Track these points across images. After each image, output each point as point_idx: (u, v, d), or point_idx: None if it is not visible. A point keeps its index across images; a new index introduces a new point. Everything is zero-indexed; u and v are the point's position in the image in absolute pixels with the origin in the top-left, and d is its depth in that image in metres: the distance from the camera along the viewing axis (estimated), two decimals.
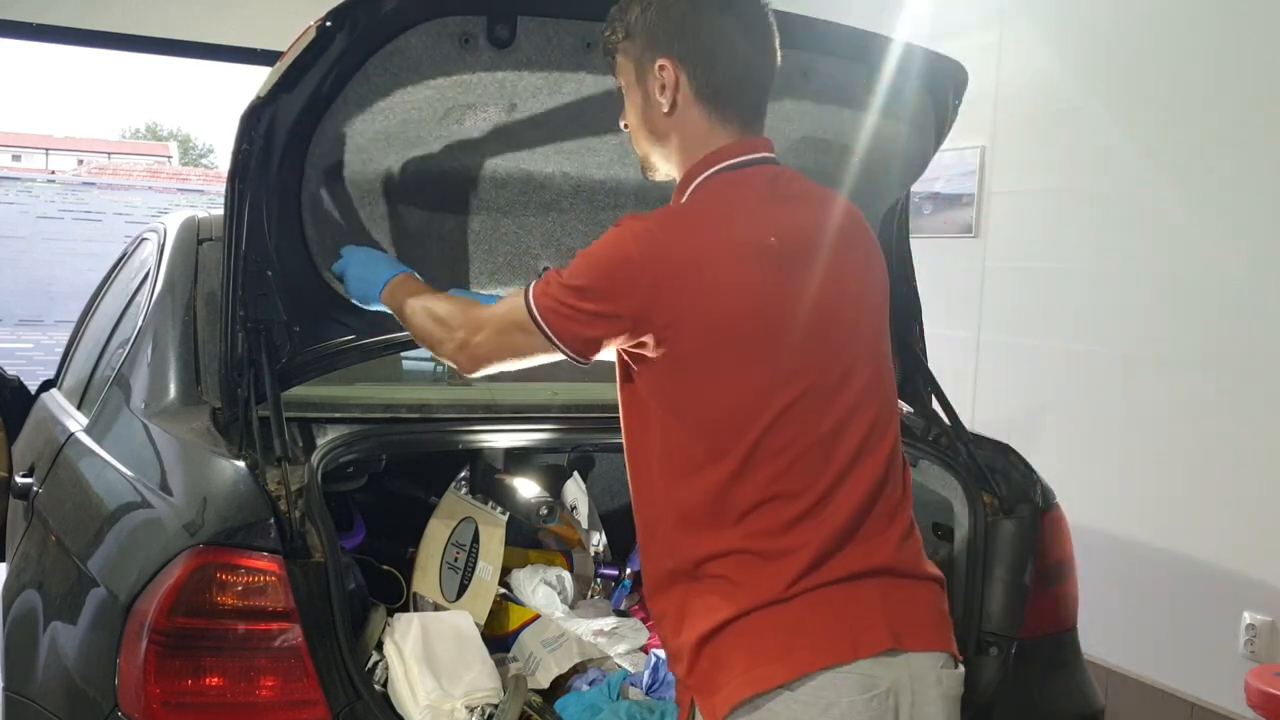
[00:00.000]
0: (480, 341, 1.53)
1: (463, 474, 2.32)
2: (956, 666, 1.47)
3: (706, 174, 1.49)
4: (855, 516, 1.42)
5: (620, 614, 2.42)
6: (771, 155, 1.53)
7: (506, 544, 2.24)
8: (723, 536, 1.41)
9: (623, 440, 1.54)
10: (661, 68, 1.48)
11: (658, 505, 1.49)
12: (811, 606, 1.37)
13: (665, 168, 1.57)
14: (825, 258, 1.47)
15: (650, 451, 1.48)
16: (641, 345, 1.42)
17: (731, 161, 1.49)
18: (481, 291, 2.01)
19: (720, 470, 1.40)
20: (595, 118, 1.89)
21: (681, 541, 1.45)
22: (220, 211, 1.84)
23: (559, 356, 1.47)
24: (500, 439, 2.17)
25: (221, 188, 1.79)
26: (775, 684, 1.34)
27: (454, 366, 1.58)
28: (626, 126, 1.59)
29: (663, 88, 1.48)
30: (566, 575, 2.39)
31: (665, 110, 1.49)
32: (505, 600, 2.30)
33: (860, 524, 1.42)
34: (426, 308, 1.63)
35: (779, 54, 1.53)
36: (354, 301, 1.81)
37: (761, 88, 1.52)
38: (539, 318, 1.44)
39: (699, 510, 1.43)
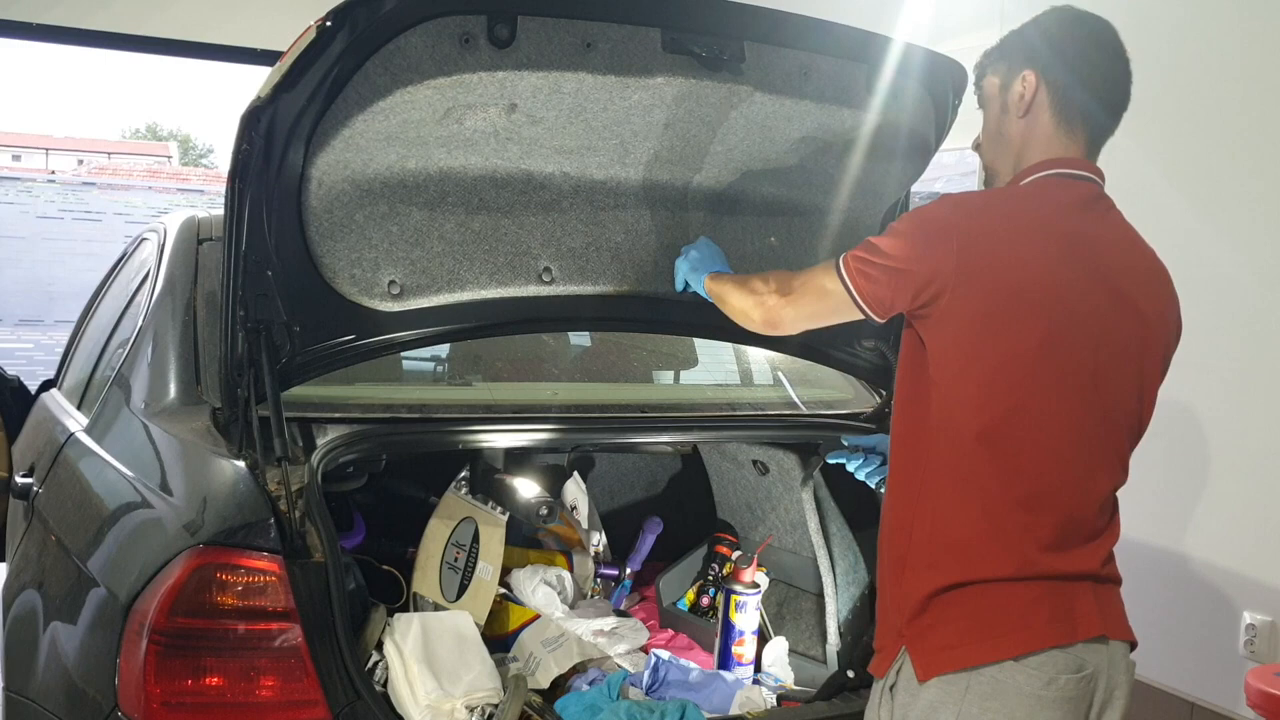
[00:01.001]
0: (788, 300, 1.70)
1: (463, 474, 2.32)
2: (1131, 655, 1.63)
3: (1039, 174, 1.62)
4: (1090, 520, 1.60)
5: (620, 614, 2.42)
6: (1100, 180, 1.66)
7: (506, 544, 2.24)
8: (972, 503, 1.53)
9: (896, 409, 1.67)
10: (1024, 78, 1.64)
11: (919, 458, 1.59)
12: (1040, 591, 1.52)
13: (1007, 172, 1.69)
14: (1118, 285, 1.59)
15: (923, 414, 1.58)
16: (930, 304, 1.52)
17: (1065, 171, 1.62)
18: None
19: (979, 442, 1.52)
20: (596, 117, 1.89)
21: (927, 499, 1.57)
22: (220, 211, 1.84)
23: (857, 314, 1.61)
24: (500, 439, 2.17)
25: (221, 188, 1.79)
26: (1010, 655, 1.47)
27: (767, 331, 1.75)
28: (978, 146, 1.75)
29: (1021, 96, 1.64)
30: (566, 575, 2.39)
31: (1020, 114, 1.65)
32: (505, 600, 2.30)
33: (1089, 527, 1.60)
34: (741, 282, 1.83)
35: (1129, 98, 1.68)
36: (681, 278, 2.05)
37: (1107, 119, 1.67)
38: (844, 274, 1.59)
39: (958, 473, 1.54)
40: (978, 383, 1.51)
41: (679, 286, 2.07)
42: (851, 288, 1.59)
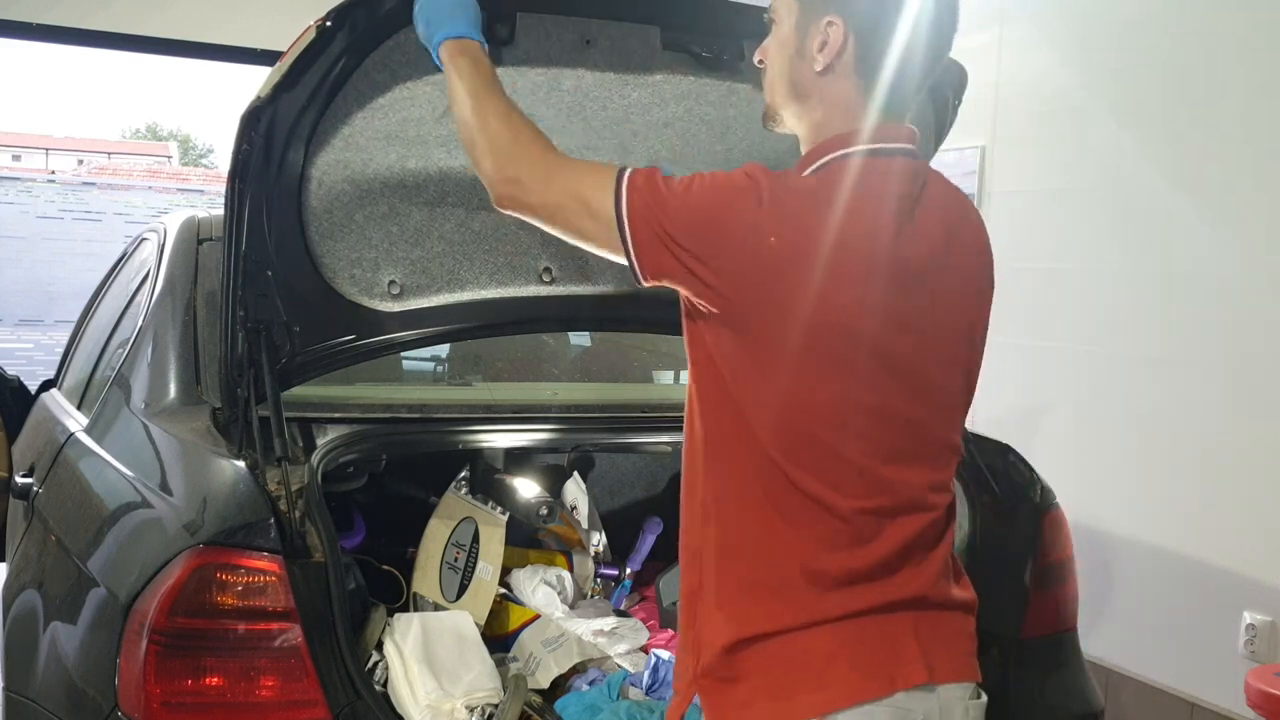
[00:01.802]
0: (539, 190, 1.37)
1: (463, 474, 2.32)
2: (979, 696, 1.41)
3: (842, 152, 1.35)
4: (903, 546, 1.34)
5: (620, 614, 2.42)
6: (913, 147, 1.39)
7: (506, 544, 2.24)
8: (766, 533, 1.34)
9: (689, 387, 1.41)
10: (830, 24, 1.35)
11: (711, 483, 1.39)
12: (849, 634, 1.31)
13: (793, 125, 1.44)
14: (942, 283, 1.37)
15: (716, 414, 1.37)
16: (711, 302, 1.30)
17: (874, 146, 1.35)
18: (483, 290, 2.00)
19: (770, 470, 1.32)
20: (595, 115, 1.89)
21: (714, 523, 1.37)
22: (220, 211, 1.84)
23: (615, 257, 1.34)
24: (500, 439, 2.17)
25: (221, 188, 1.79)
26: (812, 715, 1.28)
27: (491, 192, 1.41)
28: (762, 63, 1.46)
29: (823, 45, 1.35)
30: (566, 575, 2.39)
31: (818, 70, 1.37)
32: (505, 600, 2.30)
33: (906, 554, 1.35)
34: (498, 108, 1.42)
35: (947, 49, 1.40)
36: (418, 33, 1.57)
37: (922, 75, 1.39)
38: (625, 215, 1.30)
39: (750, 495, 1.34)
40: (773, 405, 1.30)
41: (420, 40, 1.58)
42: (629, 235, 1.30)
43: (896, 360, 1.33)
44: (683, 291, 1.34)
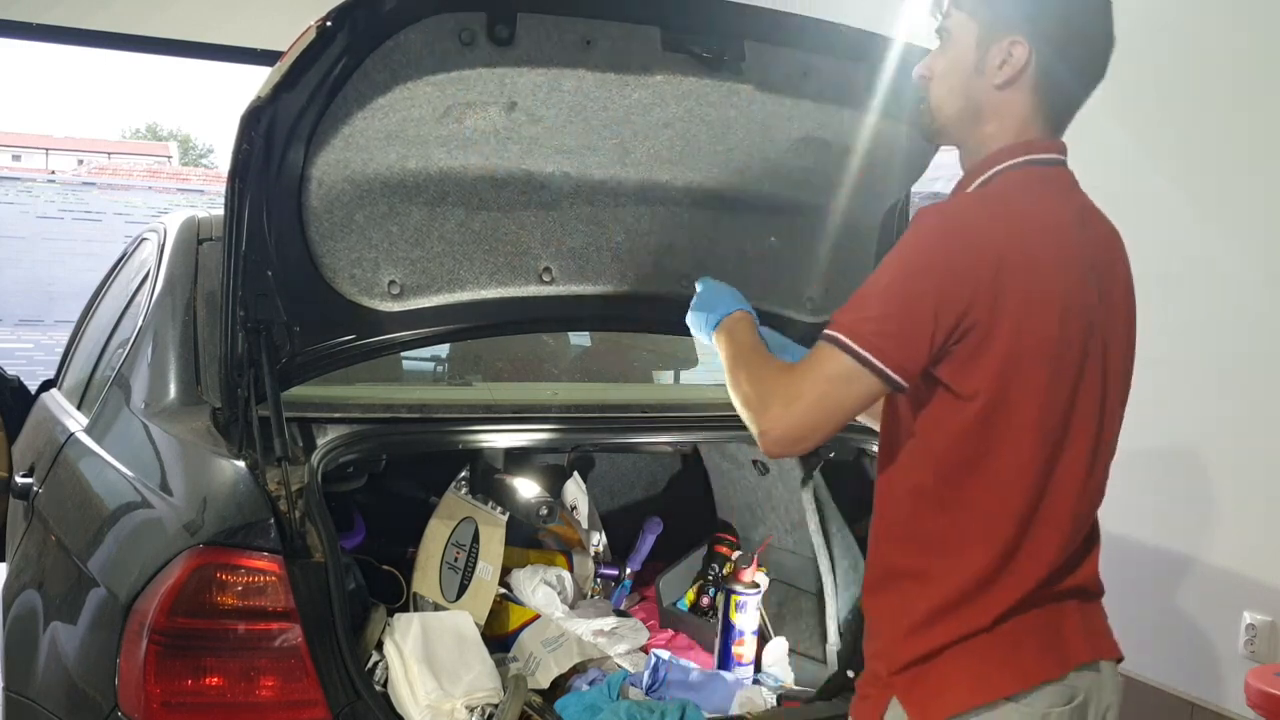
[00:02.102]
0: (796, 411, 1.37)
1: (463, 474, 2.32)
2: (1118, 668, 1.55)
3: (1015, 161, 1.42)
4: (1070, 538, 1.45)
5: (620, 614, 2.42)
6: (1066, 156, 1.48)
7: (506, 544, 2.24)
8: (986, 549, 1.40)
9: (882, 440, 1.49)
10: (1014, 43, 1.40)
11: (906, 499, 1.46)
12: (1030, 622, 1.41)
13: (957, 133, 1.49)
14: (1114, 286, 1.47)
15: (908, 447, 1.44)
16: (958, 338, 1.34)
17: (1043, 156, 1.44)
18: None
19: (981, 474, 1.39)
20: (595, 116, 1.89)
21: (949, 554, 1.42)
22: (220, 211, 1.84)
23: (882, 392, 1.37)
24: (500, 439, 2.17)
25: (221, 188, 1.79)
26: (1002, 694, 1.38)
27: (766, 452, 1.42)
28: (923, 78, 1.50)
29: (1004, 63, 1.41)
30: (566, 575, 2.39)
31: (996, 84, 1.42)
32: (505, 600, 2.30)
33: (1072, 545, 1.45)
34: (758, 366, 1.49)
35: (1104, 72, 1.49)
36: (697, 330, 1.68)
37: (1085, 97, 1.48)
38: (857, 347, 1.33)
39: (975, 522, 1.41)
40: (1018, 423, 1.36)
41: (694, 332, 1.71)
42: (870, 356, 1.32)
43: (1087, 353, 1.40)
44: (945, 369, 1.36)
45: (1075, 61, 1.44)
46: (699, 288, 1.73)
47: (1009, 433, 1.37)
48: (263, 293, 1.82)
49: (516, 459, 2.64)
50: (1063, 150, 1.48)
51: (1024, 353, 1.34)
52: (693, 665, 2.16)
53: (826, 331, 1.37)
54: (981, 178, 1.44)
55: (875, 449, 2.27)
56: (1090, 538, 1.51)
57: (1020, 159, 1.43)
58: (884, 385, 1.35)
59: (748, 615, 2.26)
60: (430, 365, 2.85)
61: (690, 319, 1.69)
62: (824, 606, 2.35)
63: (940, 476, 1.41)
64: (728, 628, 2.26)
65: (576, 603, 2.40)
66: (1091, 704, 1.46)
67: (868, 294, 1.37)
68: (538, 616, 2.26)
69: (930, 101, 1.50)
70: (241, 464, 1.70)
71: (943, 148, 2.18)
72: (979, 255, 1.33)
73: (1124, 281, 1.51)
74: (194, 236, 2.36)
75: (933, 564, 1.42)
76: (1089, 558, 1.51)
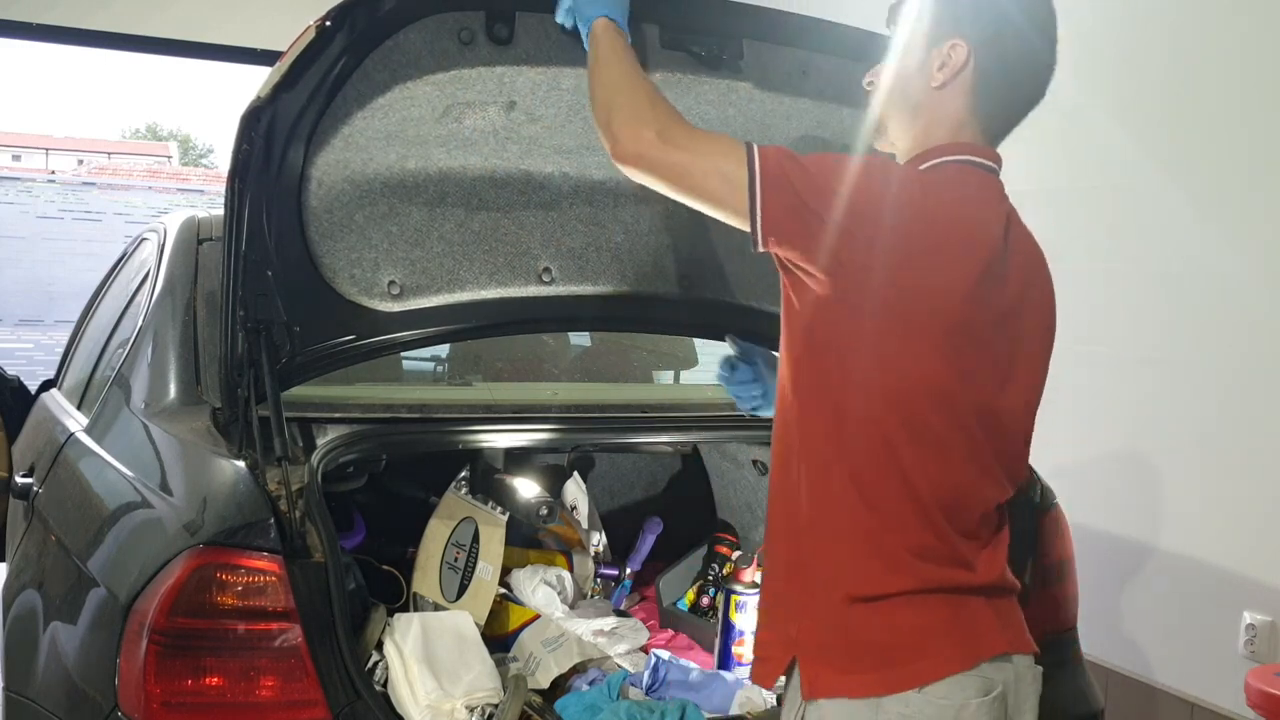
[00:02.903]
0: (670, 151, 1.40)
1: (463, 474, 2.32)
2: (1038, 666, 1.52)
3: (950, 158, 1.45)
4: (985, 526, 1.46)
5: (620, 614, 2.42)
6: (1000, 169, 1.50)
7: (506, 544, 2.24)
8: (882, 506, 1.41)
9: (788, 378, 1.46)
10: (954, 46, 1.44)
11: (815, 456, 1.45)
12: (939, 608, 1.40)
13: (897, 136, 1.52)
14: (1031, 296, 1.48)
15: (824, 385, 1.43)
16: (824, 270, 1.34)
17: (978, 160, 1.46)
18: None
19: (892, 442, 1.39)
20: None
21: (835, 494, 1.42)
22: (220, 211, 1.84)
23: (735, 219, 1.38)
24: (500, 439, 2.17)
25: (221, 188, 1.79)
26: (912, 685, 1.36)
27: (616, 146, 1.45)
28: (871, 84, 1.55)
29: (943, 65, 1.45)
30: (566, 575, 2.39)
31: (934, 85, 1.46)
32: (505, 600, 2.30)
33: (984, 534, 1.46)
34: (628, 75, 1.50)
35: (1041, 96, 1.52)
36: (564, 8, 1.66)
37: (1021, 111, 1.51)
38: (758, 177, 1.34)
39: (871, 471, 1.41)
40: (875, 380, 1.36)
41: (559, 18, 1.69)
42: (758, 200, 1.34)
43: (995, 351, 1.41)
44: (792, 260, 1.37)
45: (1013, 73, 1.47)
46: None
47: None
48: (263, 293, 1.82)
49: (516, 459, 2.64)
50: (998, 161, 1.49)
51: (896, 310, 1.34)
52: (693, 665, 2.16)
53: (750, 142, 1.37)
54: (924, 166, 1.45)
55: None
56: (996, 532, 1.49)
57: (955, 156, 1.45)
58: (744, 217, 1.36)
59: (748, 615, 2.26)
60: (430, 365, 2.86)
61: (561, 6, 1.66)
62: None
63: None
64: (728, 628, 2.26)
65: (576, 603, 2.40)
66: (1010, 697, 1.43)
67: (809, 159, 1.37)
68: (538, 616, 2.26)
69: (873, 108, 1.54)
70: (241, 464, 1.70)
71: None
72: (888, 198, 1.34)
73: (1041, 300, 1.52)
74: (194, 236, 2.36)
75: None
76: (993, 551, 1.48)
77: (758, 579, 2.29)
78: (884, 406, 1.37)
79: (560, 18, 1.68)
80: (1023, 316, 1.46)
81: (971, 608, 1.42)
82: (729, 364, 1.93)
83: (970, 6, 1.46)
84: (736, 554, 2.51)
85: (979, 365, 1.40)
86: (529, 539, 2.59)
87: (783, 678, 1.48)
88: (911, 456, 1.38)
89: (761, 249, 1.37)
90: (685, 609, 2.56)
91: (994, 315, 1.40)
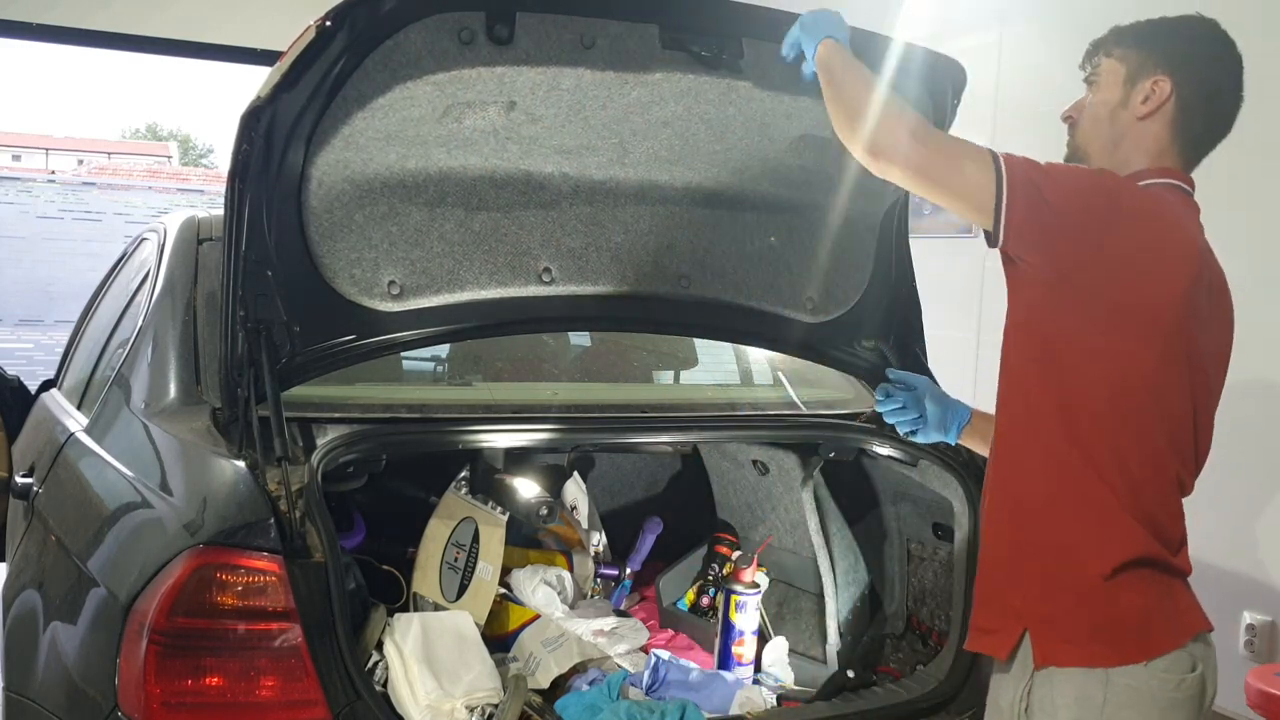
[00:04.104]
0: (920, 147, 1.53)
1: (463, 474, 2.32)
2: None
3: (1156, 180, 1.59)
4: (1180, 519, 1.62)
5: (620, 614, 2.42)
6: (1194, 193, 1.63)
7: (506, 544, 2.24)
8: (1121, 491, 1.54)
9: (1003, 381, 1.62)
10: (1157, 81, 1.60)
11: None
12: (1160, 588, 1.54)
13: (1101, 163, 1.65)
14: (1221, 312, 1.63)
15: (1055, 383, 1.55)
16: (1054, 272, 1.49)
17: (1179, 183, 1.61)
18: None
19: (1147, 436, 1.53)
20: (594, 115, 1.89)
21: (1073, 476, 1.54)
22: (220, 211, 1.84)
23: (976, 215, 1.50)
24: (500, 439, 2.16)
25: (221, 188, 1.79)
26: (1139, 659, 1.49)
27: (872, 147, 1.56)
28: (1071, 120, 1.70)
29: (1147, 98, 1.61)
30: (566, 575, 2.39)
31: (1139, 116, 1.61)
32: (505, 600, 2.30)
33: (1181, 527, 1.62)
34: (868, 80, 1.63)
35: (1228, 129, 1.67)
36: (791, 42, 1.78)
37: (1215, 142, 1.66)
38: (1004, 177, 1.47)
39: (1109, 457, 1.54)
40: (1114, 373, 1.50)
41: (785, 51, 1.80)
42: (1005, 201, 1.47)
43: (1198, 352, 1.55)
44: (1027, 259, 1.51)
45: (1211, 106, 1.63)
46: (802, 17, 1.79)
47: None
48: (263, 293, 1.82)
49: (516, 459, 2.64)
50: (1193, 185, 1.63)
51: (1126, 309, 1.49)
52: (693, 665, 2.16)
53: (994, 151, 1.51)
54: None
55: (874, 449, 2.28)
56: (1183, 522, 1.64)
57: (1161, 179, 1.59)
58: (987, 218, 1.48)
59: (748, 615, 2.26)
60: (430, 365, 2.85)
61: (795, 28, 1.78)
62: (824, 606, 2.36)
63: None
64: (728, 628, 2.27)
65: (576, 603, 2.40)
66: (1208, 674, 1.55)
67: (1052, 166, 1.51)
68: (538, 616, 2.26)
69: (1075, 139, 1.70)
70: (241, 464, 1.70)
71: None
72: (1123, 202, 1.49)
73: (1225, 311, 1.66)
74: (194, 236, 2.36)
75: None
76: (1184, 538, 1.62)
77: (758, 579, 2.30)
78: (1109, 401, 1.50)
79: (785, 50, 1.80)
80: (1213, 324, 1.60)
81: (1177, 588, 1.57)
82: (885, 391, 2.02)
83: (1171, 45, 1.62)
84: (736, 554, 2.51)
85: (1187, 366, 1.53)
86: (529, 539, 2.59)
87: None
88: (1131, 446, 1.51)
89: (1000, 247, 1.50)
90: (685, 609, 2.56)
91: (1199, 321, 1.54)
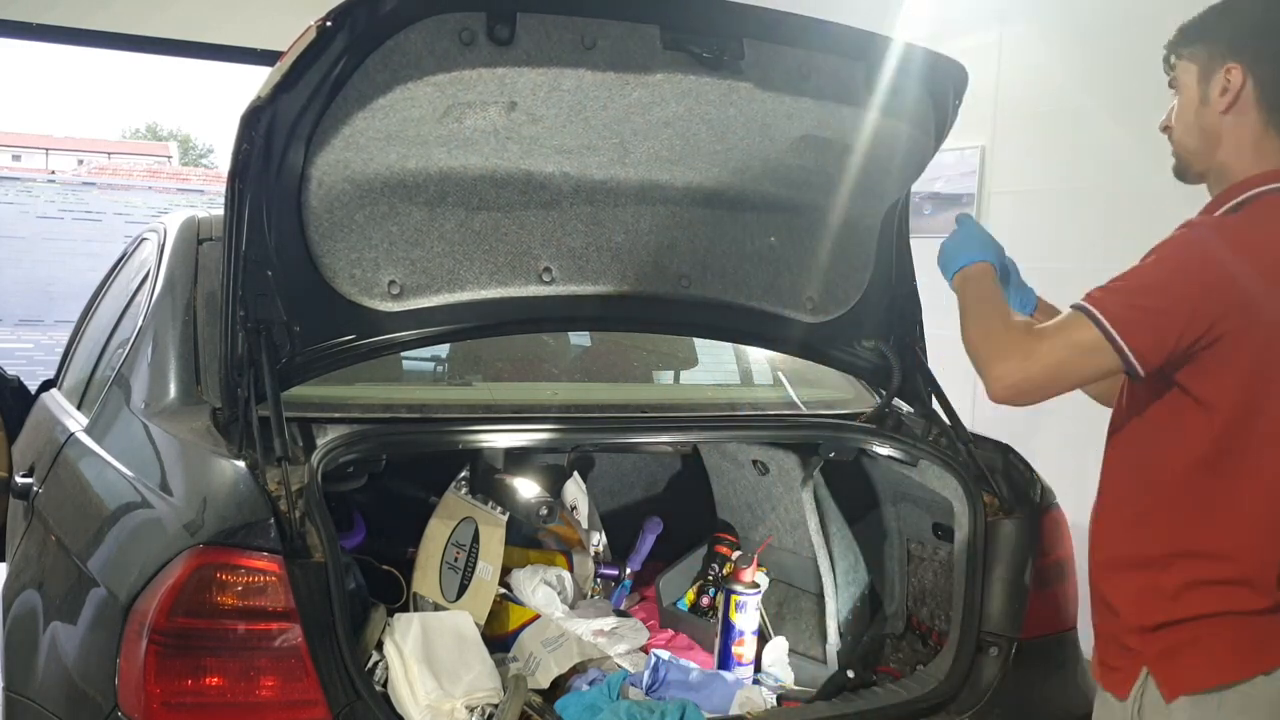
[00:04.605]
0: (1036, 366, 1.52)
1: (463, 474, 2.32)
2: None
3: (1256, 190, 1.53)
4: None
5: (620, 614, 2.42)
6: None
7: (506, 544, 2.24)
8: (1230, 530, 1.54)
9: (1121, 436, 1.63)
10: (1229, 71, 1.55)
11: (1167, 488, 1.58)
12: (1274, 604, 1.52)
13: (1203, 167, 1.62)
14: None
15: (1174, 445, 1.56)
16: (1206, 344, 1.47)
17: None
18: None
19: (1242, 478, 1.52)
20: (595, 115, 1.89)
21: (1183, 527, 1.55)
22: (220, 211, 1.84)
23: (1114, 369, 1.50)
24: (500, 439, 2.17)
25: (221, 188, 1.79)
26: (1261, 670, 1.50)
27: (992, 390, 1.56)
28: (1168, 129, 1.66)
29: (1224, 90, 1.55)
30: (566, 575, 2.39)
31: (1222, 110, 1.56)
32: (505, 600, 2.30)
33: None
34: (988, 317, 1.63)
35: None
36: (943, 267, 1.78)
37: None
38: (1107, 323, 1.47)
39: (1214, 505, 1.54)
40: (1262, 424, 1.49)
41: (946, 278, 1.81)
42: (1116, 334, 1.46)
43: None
44: (1179, 368, 1.51)
45: None
46: (956, 226, 1.81)
47: (1257, 440, 1.50)
48: (263, 293, 1.82)
49: (516, 459, 2.64)
50: None
51: (1273, 366, 1.47)
52: (693, 665, 2.16)
53: (1081, 302, 1.51)
54: (1229, 204, 1.55)
55: (875, 449, 2.28)
56: None
57: (1262, 187, 1.54)
58: (1121, 365, 1.48)
59: (748, 615, 2.26)
60: (430, 365, 2.85)
61: (938, 259, 1.79)
62: (824, 606, 2.36)
63: (1179, 475, 1.54)
64: (728, 628, 2.27)
65: (576, 603, 2.40)
66: None
67: (1129, 278, 1.50)
68: (538, 616, 2.26)
69: (1174, 148, 1.66)
70: (241, 464, 1.70)
71: (941, 149, 2.20)
72: (1240, 270, 1.45)
73: None
74: (194, 236, 2.36)
75: (1189, 545, 1.55)
76: None
77: (758, 579, 2.30)
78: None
79: (944, 272, 1.78)
80: None
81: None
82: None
83: (1233, 30, 1.56)
84: (736, 554, 2.51)
85: None
86: (529, 539, 2.59)
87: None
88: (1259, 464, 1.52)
89: (1147, 372, 1.50)
90: (685, 609, 2.56)
91: None
